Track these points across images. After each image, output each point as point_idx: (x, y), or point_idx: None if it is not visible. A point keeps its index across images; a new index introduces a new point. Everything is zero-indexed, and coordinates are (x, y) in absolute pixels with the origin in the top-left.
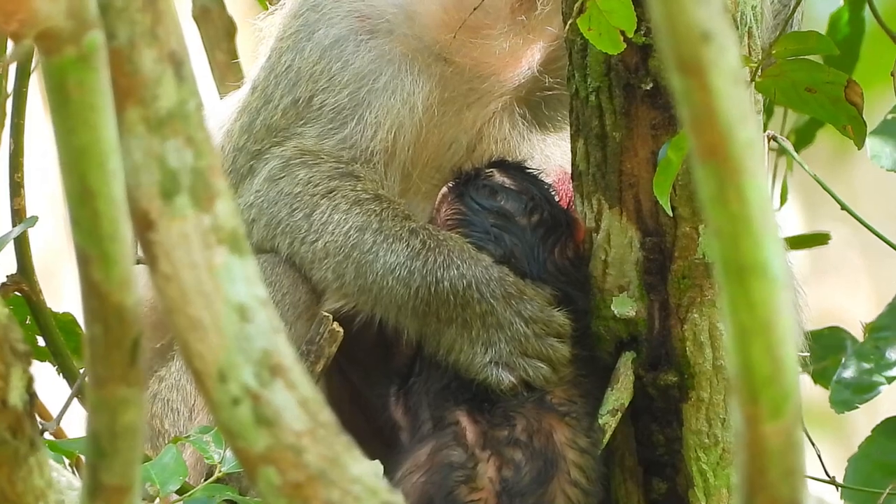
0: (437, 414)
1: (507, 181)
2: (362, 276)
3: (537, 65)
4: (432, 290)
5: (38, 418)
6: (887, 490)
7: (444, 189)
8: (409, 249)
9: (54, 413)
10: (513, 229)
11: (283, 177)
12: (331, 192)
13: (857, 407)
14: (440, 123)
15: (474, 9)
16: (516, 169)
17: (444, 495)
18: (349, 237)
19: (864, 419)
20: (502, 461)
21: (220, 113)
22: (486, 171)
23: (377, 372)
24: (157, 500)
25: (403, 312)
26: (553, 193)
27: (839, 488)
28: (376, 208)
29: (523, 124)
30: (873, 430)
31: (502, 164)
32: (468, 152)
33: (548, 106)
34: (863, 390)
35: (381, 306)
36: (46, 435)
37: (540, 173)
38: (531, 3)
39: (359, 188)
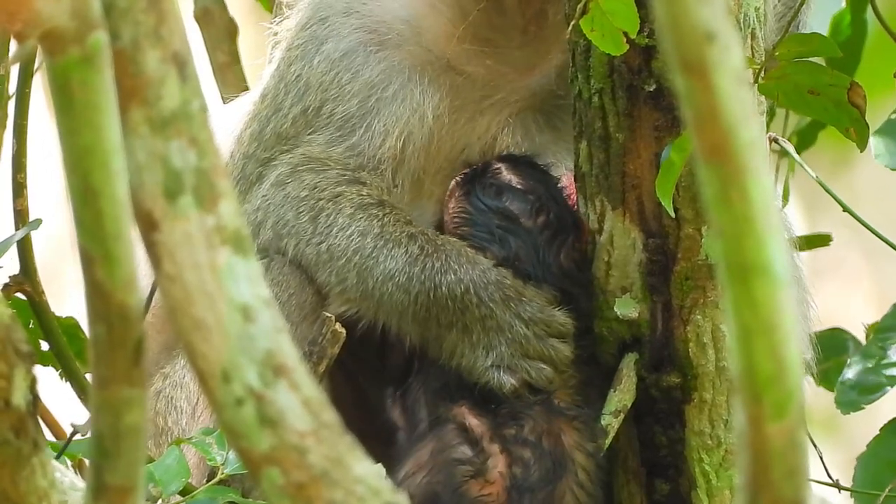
0: (434, 412)
1: (514, 179)
2: (364, 282)
3: (551, 73)
4: (431, 295)
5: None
6: (887, 490)
7: (453, 182)
8: (407, 255)
9: (57, 415)
10: (518, 231)
11: (291, 181)
12: (336, 197)
13: (863, 408)
14: (452, 131)
15: (472, 15)
16: (525, 164)
17: (452, 492)
18: (351, 241)
19: (866, 422)
20: (511, 458)
21: (228, 117)
22: (495, 167)
23: (380, 372)
24: (160, 501)
25: (405, 318)
26: (561, 191)
27: (841, 491)
28: (378, 213)
29: (537, 131)
30: (882, 429)
31: (511, 160)
32: (481, 158)
33: (562, 113)
34: (868, 391)
35: (384, 312)
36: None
37: (549, 169)
38: (543, 13)
39: (364, 193)
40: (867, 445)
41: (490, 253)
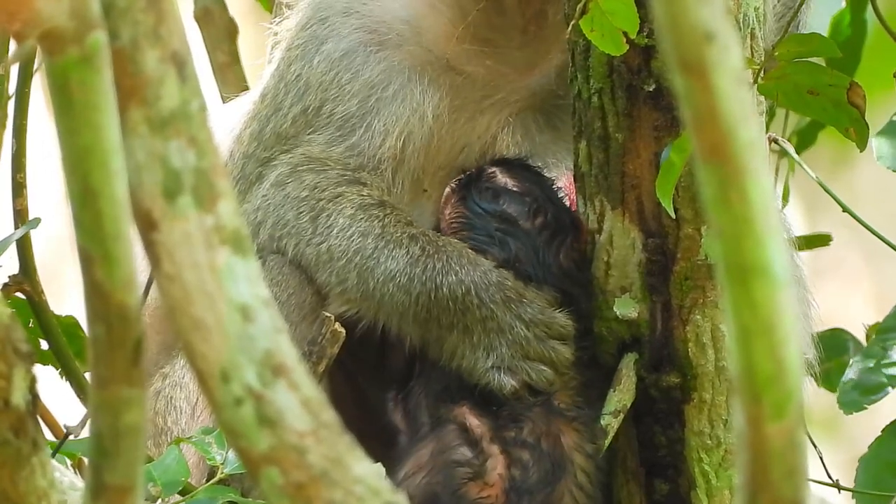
0: (435, 415)
1: (509, 182)
2: (364, 282)
3: (551, 73)
4: (432, 296)
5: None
6: None
7: (448, 189)
8: (408, 256)
9: (57, 416)
10: (517, 233)
11: (291, 182)
12: (337, 198)
13: (865, 408)
14: (452, 130)
15: (472, 15)
16: (519, 167)
17: (451, 493)
18: (352, 241)
19: (866, 422)
20: (510, 460)
21: (228, 117)
22: (489, 171)
23: (380, 374)
24: (160, 500)
25: (405, 319)
26: (557, 192)
27: (841, 491)
28: (379, 214)
29: (537, 131)
30: (883, 430)
31: (505, 163)
32: (481, 158)
33: (562, 113)
34: (870, 391)
35: (384, 313)
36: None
37: (543, 170)
38: (543, 13)
39: (364, 193)
40: (869, 447)
41: (490, 255)
